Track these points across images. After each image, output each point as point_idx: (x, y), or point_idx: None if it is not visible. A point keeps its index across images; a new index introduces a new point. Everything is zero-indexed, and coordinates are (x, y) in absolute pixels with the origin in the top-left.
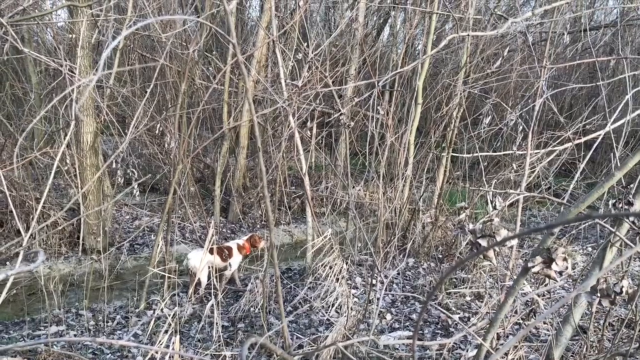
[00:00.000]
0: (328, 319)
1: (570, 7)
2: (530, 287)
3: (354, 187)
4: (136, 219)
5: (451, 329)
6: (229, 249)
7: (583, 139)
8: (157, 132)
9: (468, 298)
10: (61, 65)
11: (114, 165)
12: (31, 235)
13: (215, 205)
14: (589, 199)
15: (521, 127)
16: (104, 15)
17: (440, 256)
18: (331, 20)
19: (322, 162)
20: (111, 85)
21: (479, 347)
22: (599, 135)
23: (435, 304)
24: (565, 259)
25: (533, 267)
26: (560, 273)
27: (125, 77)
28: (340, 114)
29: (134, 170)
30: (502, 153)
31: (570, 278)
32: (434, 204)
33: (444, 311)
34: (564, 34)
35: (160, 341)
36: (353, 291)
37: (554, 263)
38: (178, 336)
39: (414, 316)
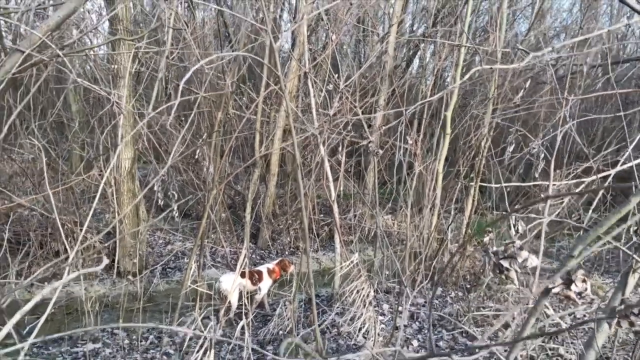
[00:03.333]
0: (355, 344)
1: (602, 40)
2: (555, 311)
3: (382, 217)
4: (169, 244)
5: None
6: (259, 273)
7: (608, 172)
8: (191, 160)
9: (495, 326)
10: (109, 94)
11: (155, 188)
12: (66, 257)
13: (246, 231)
14: (606, 224)
15: (547, 157)
16: (144, 47)
17: (468, 286)
18: (361, 53)
19: (351, 190)
20: (151, 113)
21: None
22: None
23: (461, 332)
24: (584, 281)
25: (553, 288)
26: (580, 294)
27: (162, 105)
28: (369, 142)
29: (174, 192)
30: (530, 184)
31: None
32: (462, 234)
33: (467, 328)
34: (593, 66)
35: (195, 357)
36: (380, 318)
37: (573, 284)
38: (213, 350)
39: (441, 343)
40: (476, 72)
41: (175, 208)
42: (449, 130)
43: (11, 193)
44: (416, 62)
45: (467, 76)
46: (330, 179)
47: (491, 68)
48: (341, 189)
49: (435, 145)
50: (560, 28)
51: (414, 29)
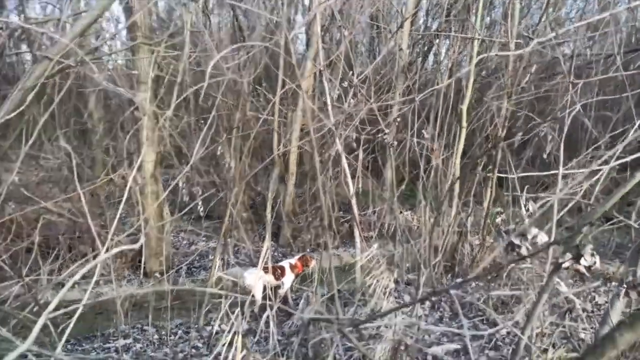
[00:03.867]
0: (377, 334)
1: (618, 28)
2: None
3: (401, 213)
4: (193, 244)
5: (498, 343)
6: (282, 268)
7: (618, 160)
8: (212, 162)
9: (516, 316)
10: (134, 94)
11: (180, 184)
12: (95, 255)
13: (267, 228)
14: (612, 200)
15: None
16: (163, 52)
17: (489, 277)
18: (375, 51)
19: (369, 188)
20: (170, 116)
21: (518, 341)
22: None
23: (482, 320)
24: (592, 255)
25: (563, 262)
26: (589, 268)
27: (181, 110)
28: (385, 134)
29: (198, 188)
30: (548, 173)
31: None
32: (481, 226)
33: (486, 307)
34: (610, 55)
35: (223, 343)
36: (402, 308)
37: (582, 258)
38: (240, 336)
39: (462, 331)
40: (484, 59)
41: (200, 203)
42: (464, 124)
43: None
44: (431, 58)
45: (475, 61)
46: (348, 174)
47: (497, 55)
48: (359, 186)
49: (452, 139)
50: (575, 19)
51: (428, 24)
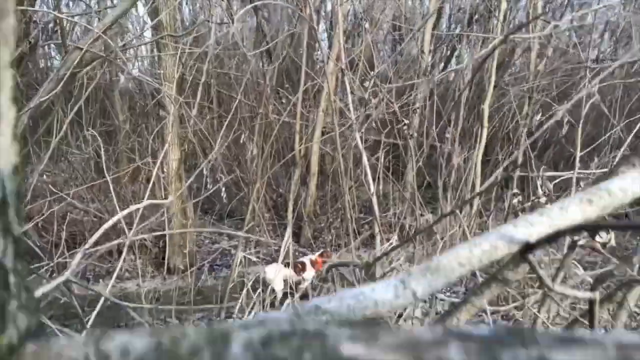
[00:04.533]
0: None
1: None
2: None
3: (422, 215)
4: (215, 243)
5: None
6: (303, 263)
7: None
8: (234, 161)
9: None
10: (160, 84)
11: (204, 172)
12: (120, 255)
13: (288, 226)
14: None
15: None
16: (188, 50)
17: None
18: (397, 55)
19: (390, 190)
20: (195, 115)
21: (534, 321)
22: None
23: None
24: (608, 231)
25: (579, 241)
26: (604, 245)
27: (205, 111)
28: (404, 124)
29: (221, 175)
30: (568, 173)
31: None
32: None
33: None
34: (636, 61)
35: None
36: (421, 304)
37: (597, 235)
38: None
39: (482, 325)
40: (506, 63)
41: (224, 190)
42: (486, 123)
43: (66, 198)
44: (454, 62)
45: (494, 44)
46: (369, 171)
47: (516, 38)
48: (380, 187)
49: (474, 139)
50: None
51: (450, 29)
